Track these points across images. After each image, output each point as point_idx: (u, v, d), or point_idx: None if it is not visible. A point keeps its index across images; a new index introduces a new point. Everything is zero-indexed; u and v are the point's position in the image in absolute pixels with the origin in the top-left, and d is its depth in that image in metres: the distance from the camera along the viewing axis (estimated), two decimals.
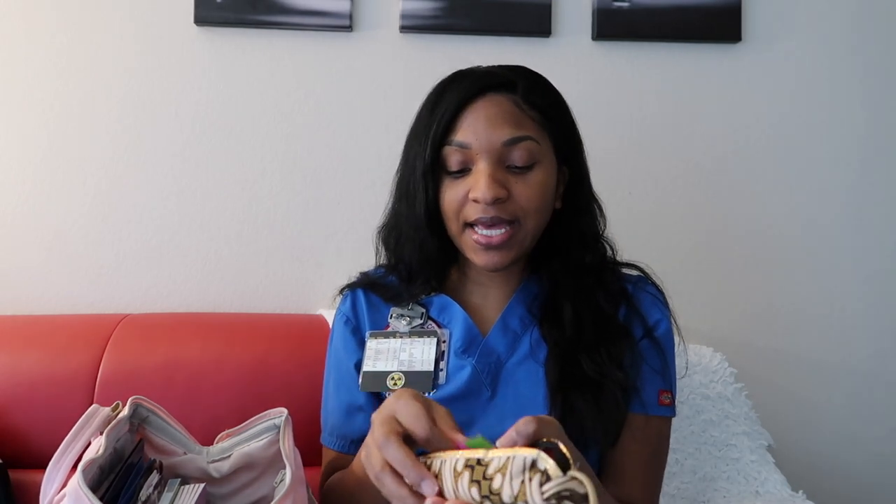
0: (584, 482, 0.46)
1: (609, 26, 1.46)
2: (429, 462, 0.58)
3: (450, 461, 0.55)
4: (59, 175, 1.43)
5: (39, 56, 1.43)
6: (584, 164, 0.92)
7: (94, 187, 1.43)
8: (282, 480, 0.72)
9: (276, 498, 0.68)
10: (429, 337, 0.89)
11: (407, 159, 0.90)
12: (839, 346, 1.52)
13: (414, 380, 0.86)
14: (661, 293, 0.93)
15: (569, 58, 1.47)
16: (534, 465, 0.48)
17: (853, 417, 1.52)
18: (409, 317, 0.91)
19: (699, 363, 1.34)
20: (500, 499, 0.49)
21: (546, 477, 0.47)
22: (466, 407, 0.85)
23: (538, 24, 1.45)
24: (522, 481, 0.48)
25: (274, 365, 1.21)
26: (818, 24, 1.50)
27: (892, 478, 1.53)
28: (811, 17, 1.50)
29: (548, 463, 0.47)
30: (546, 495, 0.47)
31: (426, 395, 0.85)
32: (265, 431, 0.81)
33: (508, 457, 0.50)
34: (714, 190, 1.50)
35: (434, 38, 1.46)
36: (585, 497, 0.46)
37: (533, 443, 0.53)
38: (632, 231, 1.38)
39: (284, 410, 0.80)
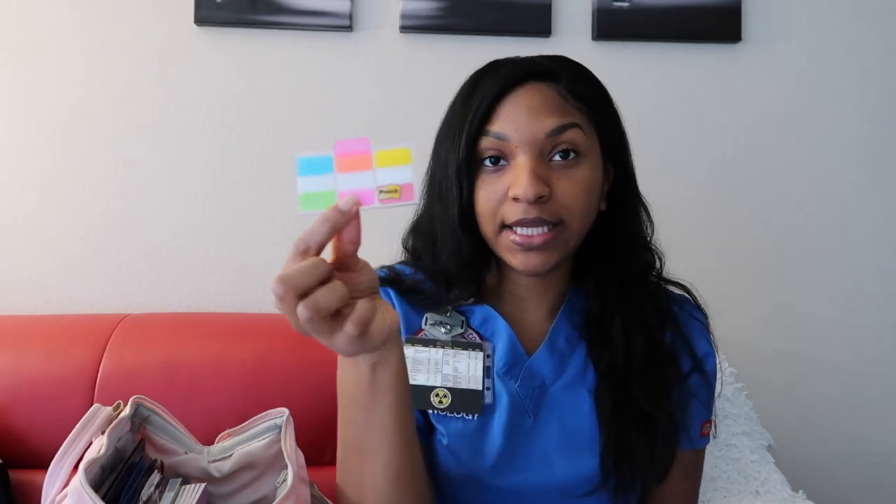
0: None
1: (609, 26, 1.46)
2: None
3: None
4: (60, 176, 1.43)
5: (40, 58, 1.42)
6: (629, 162, 0.84)
7: (94, 188, 1.43)
8: (284, 480, 0.72)
9: (278, 498, 0.68)
10: (473, 350, 0.80)
11: (438, 156, 0.80)
12: (840, 347, 1.52)
13: (461, 399, 0.78)
14: (707, 318, 0.87)
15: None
16: None
17: (853, 417, 1.52)
18: (448, 324, 0.81)
19: None
20: None
21: None
22: (508, 435, 0.79)
23: (538, 24, 1.45)
24: None
25: (274, 365, 1.21)
26: (818, 24, 1.50)
27: (892, 478, 1.53)
28: (811, 17, 1.50)
29: None
30: None
31: (473, 418, 0.78)
32: (266, 431, 0.81)
33: None
34: (714, 190, 1.50)
35: (434, 38, 1.46)
36: None
37: None
38: None
39: (286, 410, 0.80)
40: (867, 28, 1.51)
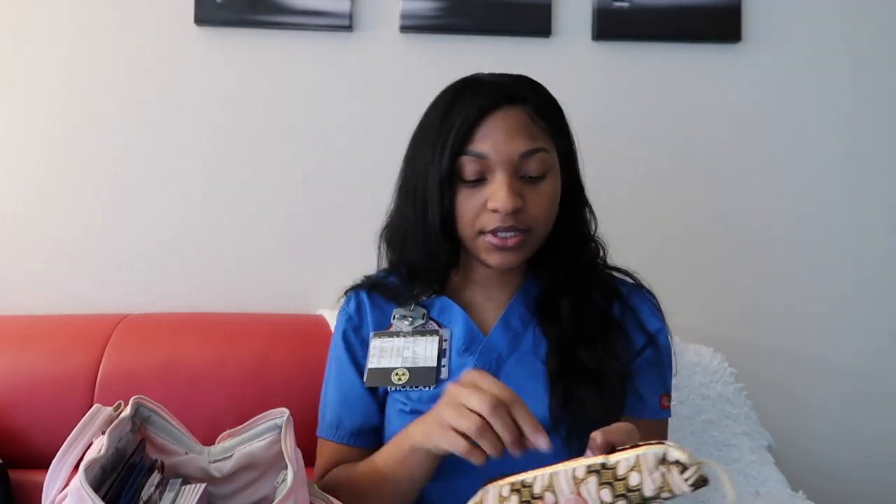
0: (712, 465, 0.52)
1: (609, 26, 1.46)
2: (528, 481, 0.62)
3: (565, 472, 0.59)
4: (60, 175, 1.43)
5: (40, 57, 1.42)
6: (577, 167, 0.96)
7: (94, 187, 1.43)
8: (283, 480, 0.72)
9: (278, 498, 0.68)
10: (430, 335, 0.93)
11: (414, 164, 0.91)
12: (839, 346, 1.52)
13: (417, 375, 0.90)
14: (655, 297, 0.97)
15: (569, 58, 1.47)
16: (664, 458, 0.54)
17: (853, 417, 1.52)
18: (411, 317, 0.95)
19: (699, 363, 1.34)
20: (641, 494, 0.54)
21: (682, 466, 0.53)
22: None
23: (538, 24, 1.45)
24: (662, 474, 0.53)
25: (274, 365, 1.21)
26: (818, 25, 1.50)
27: (893, 478, 1.53)
28: (811, 17, 1.50)
29: (679, 453, 0.53)
30: (690, 482, 0.52)
31: (429, 389, 0.90)
32: (267, 431, 0.81)
33: (637, 455, 0.55)
34: (714, 189, 1.50)
35: (434, 38, 1.46)
36: (706, 479, 0.52)
37: (609, 450, 0.59)
38: (632, 230, 1.39)
39: (286, 410, 0.80)
40: (867, 28, 1.51)
